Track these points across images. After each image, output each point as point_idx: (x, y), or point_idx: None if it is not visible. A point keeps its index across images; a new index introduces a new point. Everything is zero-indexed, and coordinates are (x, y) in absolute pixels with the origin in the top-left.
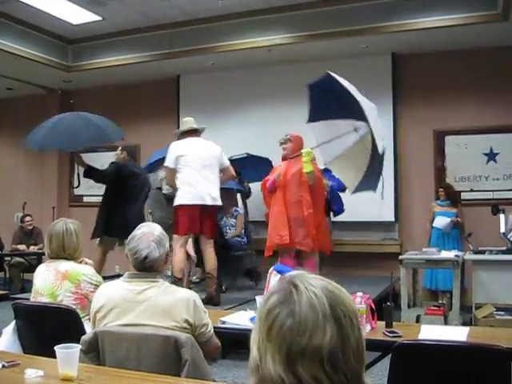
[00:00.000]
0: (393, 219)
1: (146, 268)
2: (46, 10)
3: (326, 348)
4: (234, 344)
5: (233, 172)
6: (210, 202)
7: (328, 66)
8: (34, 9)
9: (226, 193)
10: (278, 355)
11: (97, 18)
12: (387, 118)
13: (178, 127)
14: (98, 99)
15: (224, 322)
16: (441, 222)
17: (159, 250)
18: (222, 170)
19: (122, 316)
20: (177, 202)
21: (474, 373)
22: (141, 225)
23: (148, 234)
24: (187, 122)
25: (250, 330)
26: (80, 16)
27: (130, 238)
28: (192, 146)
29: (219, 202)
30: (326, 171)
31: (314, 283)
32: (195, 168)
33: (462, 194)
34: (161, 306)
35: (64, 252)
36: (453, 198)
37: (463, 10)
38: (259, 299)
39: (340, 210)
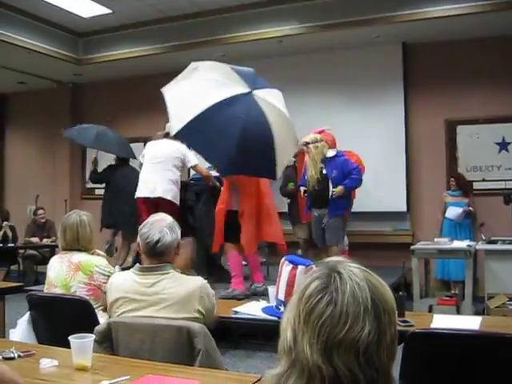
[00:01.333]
0: (405, 209)
1: (158, 253)
2: (57, 3)
3: (363, 342)
4: (246, 334)
5: (202, 172)
6: (157, 194)
7: (339, 55)
8: (45, 2)
9: None
10: (316, 342)
11: (107, 10)
12: (398, 108)
13: None
14: (108, 92)
15: (236, 313)
16: (453, 212)
17: (171, 235)
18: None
19: (135, 309)
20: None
21: (487, 361)
22: (153, 214)
23: (160, 220)
24: (166, 128)
25: (262, 320)
26: (90, 9)
27: (142, 225)
28: (154, 145)
29: (168, 196)
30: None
31: (357, 273)
32: (149, 164)
33: (474, 183)
34: (172, 298)
35: (78, 244)
36: (464, 187)
37: None
38: (271, 290)
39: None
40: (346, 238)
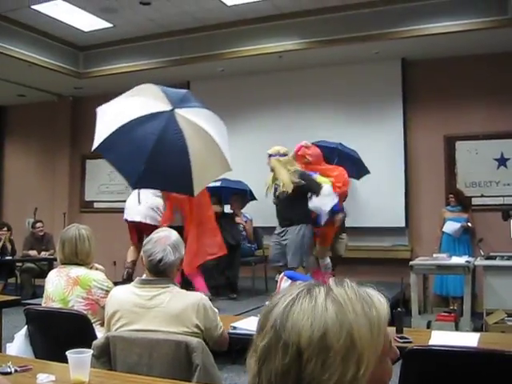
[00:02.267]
0: (403, 225)
1: (160, 271)
2: (58, 17)
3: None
4: (243, 350)
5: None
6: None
7: (338, 71)
8: (46, 16)
9: (239, 196)
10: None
11: (108, 24)
12: (397, 124)
13: None
14: None
15: (235, 328)
16: (450, 227)
17: (174, 254)
18: None
19: (133, 322)
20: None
21: (485, 378)
22: (159, 229)
23: (165, 237)
24: None
25: None
26: (91, 23)
27: (146, 240)
28: None
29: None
30: None
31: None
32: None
33: (473, 199)
34: (171, 311)
35: (77, 257)
36: (463, 203)
37: (473, 15)
38: None
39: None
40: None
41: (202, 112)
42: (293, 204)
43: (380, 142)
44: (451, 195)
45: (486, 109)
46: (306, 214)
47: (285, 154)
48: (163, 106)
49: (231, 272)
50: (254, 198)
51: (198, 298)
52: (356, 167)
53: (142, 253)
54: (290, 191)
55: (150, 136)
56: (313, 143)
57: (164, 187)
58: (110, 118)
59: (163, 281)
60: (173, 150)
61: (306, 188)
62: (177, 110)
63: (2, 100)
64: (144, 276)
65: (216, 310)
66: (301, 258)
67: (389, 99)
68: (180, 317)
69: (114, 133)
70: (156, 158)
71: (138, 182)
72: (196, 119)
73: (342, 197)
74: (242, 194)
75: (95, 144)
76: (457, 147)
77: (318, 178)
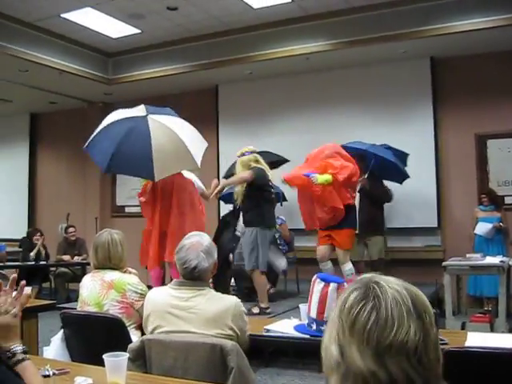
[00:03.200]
0: (435, 225)
1: (195, 278)
2: (87, 25)
3: (412, 342)
4: (276, 352)
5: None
6: None
7: (366, 71)
8: (75, 24)
9: None
10: (368, 350)
11: (135, 30)
12: (428, 123)
13: (218, 137)
14: None
15: (268, 331)
16: (482, 228)
17: (208, 260)
18: None
19: (170, 323)
20: None
21: None
22: (190, 234)
23: (197, 244)
24: None
25: (293, 338)
26: (119, 30)
27: (179, 247)
28: None
29: None
30: None
31: (393, 281)
32: None
33: (506, 198)
34: (207, 313)
35: (110, 262)
36: (496, 202)
37: (502, 11)
38: (303, 307)
39: None
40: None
41: (176, 119)
42: (246, 205)
43: (410, 142)
44: (483, 195)
45: None
46: (259, 214)
47: (252, 152)
48: (139, 113)
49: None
50: (284, 200)
51: (234, 301)
52: (395, 171)
53: (174, 259)
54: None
55: (120, 131)
56: (343, 145)
57: (128, 171)
58: (101, 125)
59: (199, 283)
60: (138, 141)
61: (256, 187)
62: (150, 116)
63: (35, 108)
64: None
65: (246, 312)
66: (254, 261)
67: (418, 99)
68: (216, 319)
69: (96, 133)
70: (122, 147)
71: (107, 168)
72: (165, 121)
73: (348, 187)
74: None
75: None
76: (488, 145)
77: (319, 177)
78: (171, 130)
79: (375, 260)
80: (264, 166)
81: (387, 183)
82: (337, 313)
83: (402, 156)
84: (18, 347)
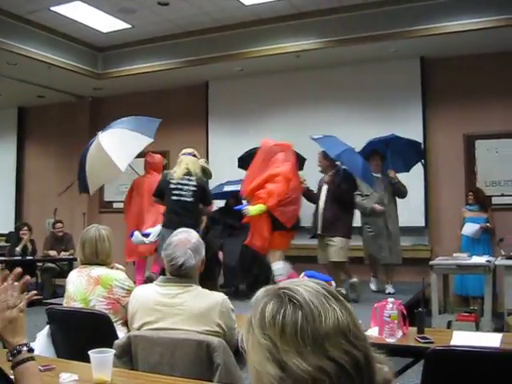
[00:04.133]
0: (423, 224)
1: (182, 275)
2: (77, 18)
3: (343, 322)
4: None
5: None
6: None
7: (357, 70)
8: (65, 18)
9: None
10: (305, 348)
11: (126, 25)
12: (417, 123)
13: (207, 134)
14: (127, 106)
15: None
16: (469, 229)
17: (195, 257)
18: None
19: (156, 320)
20: None
21: (508, 380)
22: (178, 230)
23: (185, 241)
24: None
25: None
26: (110, 24)
27: (166, 243)
28: None
29: None
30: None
31: (297, 281)
32: None
33: (493, 198)
34: (194, 310)
35: (97, 258)
36: (482, 202)
37: (491, 12)
38: None
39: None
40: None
41: (116, 129)
42: None
43: None
44: (470, 194)
45: (506, 107)
46: (196, 217)
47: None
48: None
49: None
50: None
51: (221, 298)
52: (402, 159)
53: (162, 255)
54: None
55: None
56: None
57: (83, 190)
58: None
59: (186, 280)
60: (82, 160)
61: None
62: (100, 133)
63: (23, 101)
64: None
65: (233, 309)
66: None
67: (408, 98)
68: (203, 316)
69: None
70: (79, 169)
71: (83, 190)
72: (102, 135)
73: (289, 204)
74: None
75: None
76: (476, 146)
77: (251, 209)
78: (99, 142)
79: (333, 262)
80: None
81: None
82: (258, 334)
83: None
84: (24, 346)
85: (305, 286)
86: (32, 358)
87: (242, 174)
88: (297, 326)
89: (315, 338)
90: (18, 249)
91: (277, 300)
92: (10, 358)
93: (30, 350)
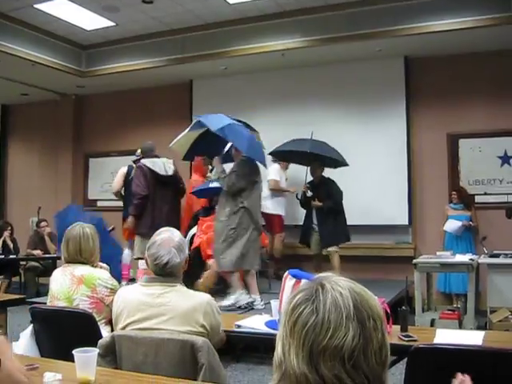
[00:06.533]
0: (407, 222)
1: (167, 274)
2: (61, 16)
3: (348, 348)
4: (247, 348)
5: None
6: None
7: (341, 69)
8: (49, 15)
9: None
10: (302, 352)
11: (110, 23)
12: (401, 122)
13: None
14: (111, 104)
15: (239, 326)
16: (451, 225)
17: (180, 255)
18: None
19: (140, 320)
20: None
21: (490, 377)
22: (160, 230)
23: (168, 239)
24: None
25: (264, 334)
26: (93, 22)
27: (150, 243)
28: None
29: None
30: None
31: (341, 284)
32: None
33: (476, 197)
34: (178, 310)
35: (81, 256)
36: (466, 201)
37: (476, 12)
38: (274, 303)
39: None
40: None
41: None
42: None
43: (383, 139)
44: (454, 193)
45: (489, 106)
46: None
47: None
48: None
49: None
50: None
51: (206, 298)
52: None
53: (145, 255)
54: None
55: None
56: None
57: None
58: None
59: (170, 279)
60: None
61: None
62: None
63: (5, 99)
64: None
65: (220, 312)
66: None
67: (392, 97)
68: (187, 316)
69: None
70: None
71: None
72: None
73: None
74: None
75: None
76: (460, 145)
77: None
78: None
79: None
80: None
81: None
82: (283, 312)
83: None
84: None
85: (340, 293)
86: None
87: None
88: (304, 329)
89: (313, 348)
90: None
91: (308, 292)
92: None
93: None
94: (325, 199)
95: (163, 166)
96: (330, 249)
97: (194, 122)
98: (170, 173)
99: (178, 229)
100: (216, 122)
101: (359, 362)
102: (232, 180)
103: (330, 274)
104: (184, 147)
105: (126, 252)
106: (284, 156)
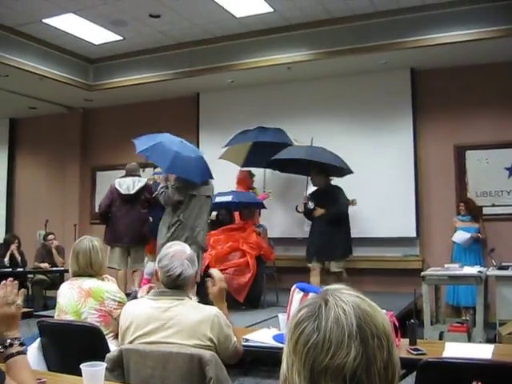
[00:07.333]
0: (414, 235)
1: (178, 286)
2: (69, 30)
3: (349, 368)
4: (254, 361)
5: None
6: None
7: (347, 82)
8: (57, 30)
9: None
10: (303, 371)
11: (118, 37)
12: (407, 134)
13: (198, 145)
14: (118, 117)
15: (247, 340)
16: (460, 236)
17: (192, 267)
18: None
19: (148, 334)
20: None
21: None
22: (171, 243)
23: (180, 252)
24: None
25: (272, 348)
26: (101, 36)
27: (161, 255)
28: None
29: None
30: None
31: (346, 299)
32: None
33: (484, 208)
34: (186, 324)
35: (91, 269)
36: (473, 212)
37: (482, 24)
38: (282, 317)
39: None
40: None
41: None
42: None
43: (390, 151)
44: (462, 205)
45: (496, 118)
46: None
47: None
48: None
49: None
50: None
51: (213, 312)
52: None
53: (156, 267)
54: None
55: None
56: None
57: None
58: None
59: (178, 293)
60: None
61: None
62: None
63: (14, 113)
64: (160, 288)
65: (230, 325)
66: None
67: (398, 109)
68: (194, 329)
69: None
70: None
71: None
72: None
73: None
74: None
75: None
76: (467, 157)
77: None
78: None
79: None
80: None
81: None
82: (288, 327)
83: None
84: (16, 340)
85: (343, 309)
86: (23, 352)
87: (232, 185)
88: (305, 347)
89: (314, 367)
90: (6, 260)
91: (312, 308)
92: (2, 350)
93: (22, 344)
94: (330, 207)
95: (132, 184)
96: (336, 268)
97: (232, 137)
98: (133, 191)
99: (142, 236)
100: (142, 143)
101: (362, 382)
102: (167, 194)
103: (338, 287)
104: (239, 157)
105: (150, 265)
106: (280, 166)
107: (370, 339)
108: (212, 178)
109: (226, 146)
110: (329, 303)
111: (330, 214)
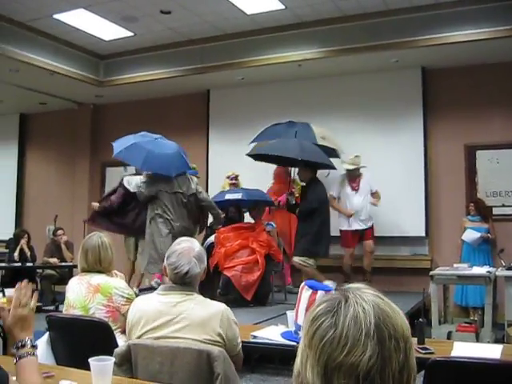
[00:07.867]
0: (423, 234)
1: (185, 283)
2: (80, 26)
3: (364, 367)
4: (262, 358)
5: None
6: None
7: (358, 80)
8: (68, 26)
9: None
10: (317, 366)
11: (128, 33)
12: (417, 133)
13: (208, 142)
14: (128, 113)
15: (255, 337)
16: (470, 235)
17: (200, 265)
18: None
19: (157, 329)
20: None
21: None
22: (180, 239)
23: (189, 249)
24: None
25: (280, 345)
26: (112, 32)
27: (169, 252)
28: None
29: None
30: None
31: (366, 298)
32: None
33: (494, 209)
34: (195, 319)
35: (100, 265)
36: (483, 212)
37: (493, 23)
38: (290, 314)
39: None
40: None
41: None
42: None
43: (400, 150)
44: (471, 205)
45: (507, 118)
46: None
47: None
48: None
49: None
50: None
51: (222, 307)
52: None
53: (164, 263)
54: None
55: None
56: None
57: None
58: None
59: (187, 288)
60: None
61: None
62: None
63: (24, 108)
64: (169, 284)
65: (236, 322)
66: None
67: (409, 108)
68: (203, 325)
69: None
70: None
71: None
72: None
73: None
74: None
75: None
76: (477, 156)
77: None
78: None
79: None
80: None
81: None
82: (305, 321)
83: None
84: (29, 340)
85: (363, 308)
86: (34, 354)
87: (261, 180)
88: (321, 342)
89: (328, 363)
90: (16, 254)
91: (331, 304)
92: (14, 350)
93: (34, 346)
94: (302, 203)
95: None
96: (295, 259)
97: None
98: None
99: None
100: (118, 146)
101: (375, 383)
102: (140, 189)
103: (359, 286)
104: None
105: None
106: (263, 157)
107: (387, 340)
108: (189, 168)
109: (253, 141)
110: (349, 300)
111: (298, 210)
